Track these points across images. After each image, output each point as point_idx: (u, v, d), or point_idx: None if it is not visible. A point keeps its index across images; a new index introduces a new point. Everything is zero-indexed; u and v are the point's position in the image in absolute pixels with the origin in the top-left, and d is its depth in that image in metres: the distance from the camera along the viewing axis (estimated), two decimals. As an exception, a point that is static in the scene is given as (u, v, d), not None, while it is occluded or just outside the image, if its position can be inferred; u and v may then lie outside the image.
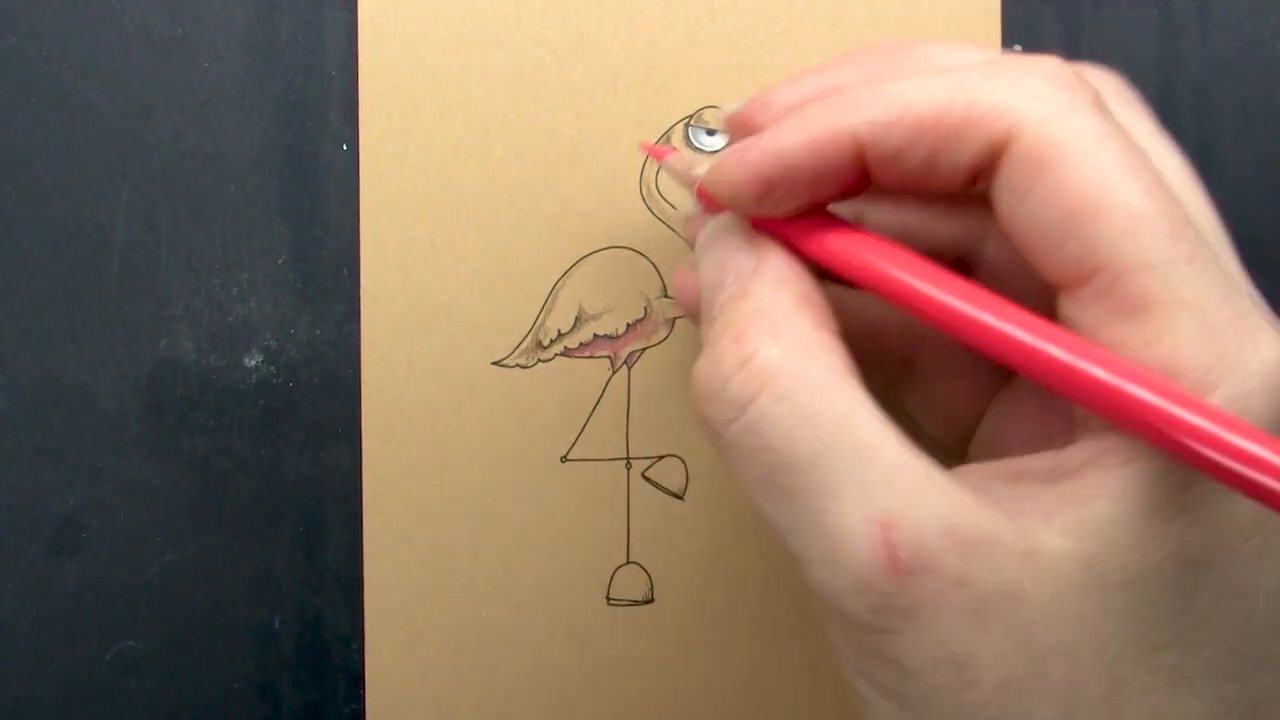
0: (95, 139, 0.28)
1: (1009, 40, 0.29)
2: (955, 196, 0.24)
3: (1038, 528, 0.19)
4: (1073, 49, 0.29)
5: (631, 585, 0.29)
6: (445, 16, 0.29)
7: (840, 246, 0.22)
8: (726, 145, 0.27)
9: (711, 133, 0.29)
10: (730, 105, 0.24)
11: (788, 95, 0.23)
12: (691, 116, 0.29)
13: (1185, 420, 0.18)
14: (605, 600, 0.29)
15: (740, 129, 0.24)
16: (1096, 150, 0.20)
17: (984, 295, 0.21)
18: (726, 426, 0.21)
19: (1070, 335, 0.20)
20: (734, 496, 0.29)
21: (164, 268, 0.29)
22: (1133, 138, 0.21)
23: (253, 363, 0.29)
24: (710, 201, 0.23)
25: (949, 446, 0.25)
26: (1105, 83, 0.23)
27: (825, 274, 0.23)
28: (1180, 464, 0.19)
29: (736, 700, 0.29)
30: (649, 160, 0.29)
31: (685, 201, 0.29)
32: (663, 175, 0.29)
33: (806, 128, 0.22)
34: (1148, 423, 0.19)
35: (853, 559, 0.19)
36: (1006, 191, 0.20)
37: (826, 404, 0.20)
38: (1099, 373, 0.19)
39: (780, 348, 0.21)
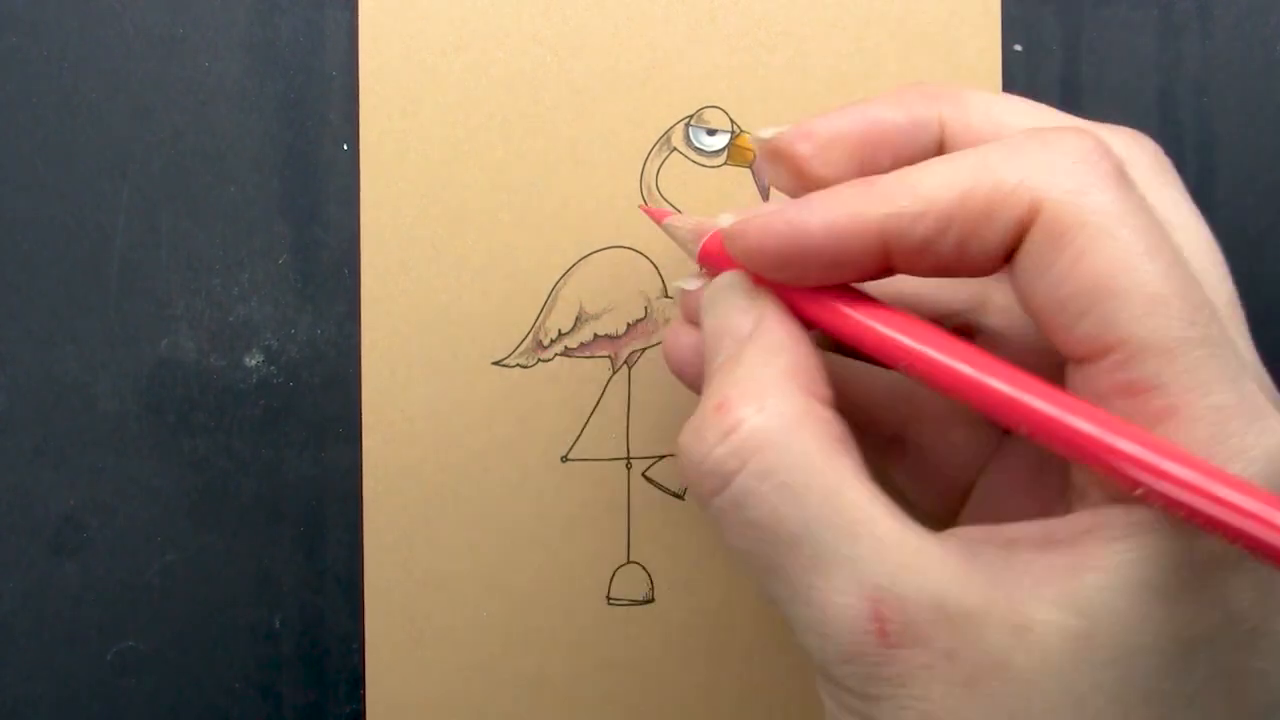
0: (95, 139, 0.28)
1: (1009, 40, 0.29)
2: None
3: (1028, 598, 0.19)
4: (1073, 49, 0.29)
5: (631, 585, 0.29)
6: (445, 16, 0.29)
7: (844, 314, 0.22)
8: (755, 174, 0.27)
9: (712, 133, 0.29)
10: (767, 131, 0.23)
11: (826, 130, 0.23)
12: (692, 116, 0.29)
13: (1188, 479, 0.19)
14: (605, 600, 0.29)
15: (774, 156, 0.23)
16: (1117, 228, 0.20)
17: (999, 365, 0.21)
18: (711, 498, 0.21)
19: (1081, 402, 0.20)
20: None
21: (164, 268, 0.29)
22: (1156, 212, 0.20)
23: (253, 362, 0.29)
24: (718, 261, 0.23)
25: (939, 517, 0.25)
26: (1137, 150, 0.22)
27: (822, 340, 0.23)
28: (1176, 544, 0.19)
29: (736, 700, 0.29)
30: (649, 160, 0.29)
31: (686, 203, 0.29)
32: (663, 175, 0.29)
33: (830, 213, 0.21)
34: (1159, 486, 0.19)
35: (842, 632, 0.19)
36: (1026, 265, 0.20)
37: (812, 478, 0.20)
38: (1116, 440, 0.19)
39: (765, 419, 0.20)
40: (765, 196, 0.29)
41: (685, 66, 0.29)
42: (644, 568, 0.29)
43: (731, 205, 0.29)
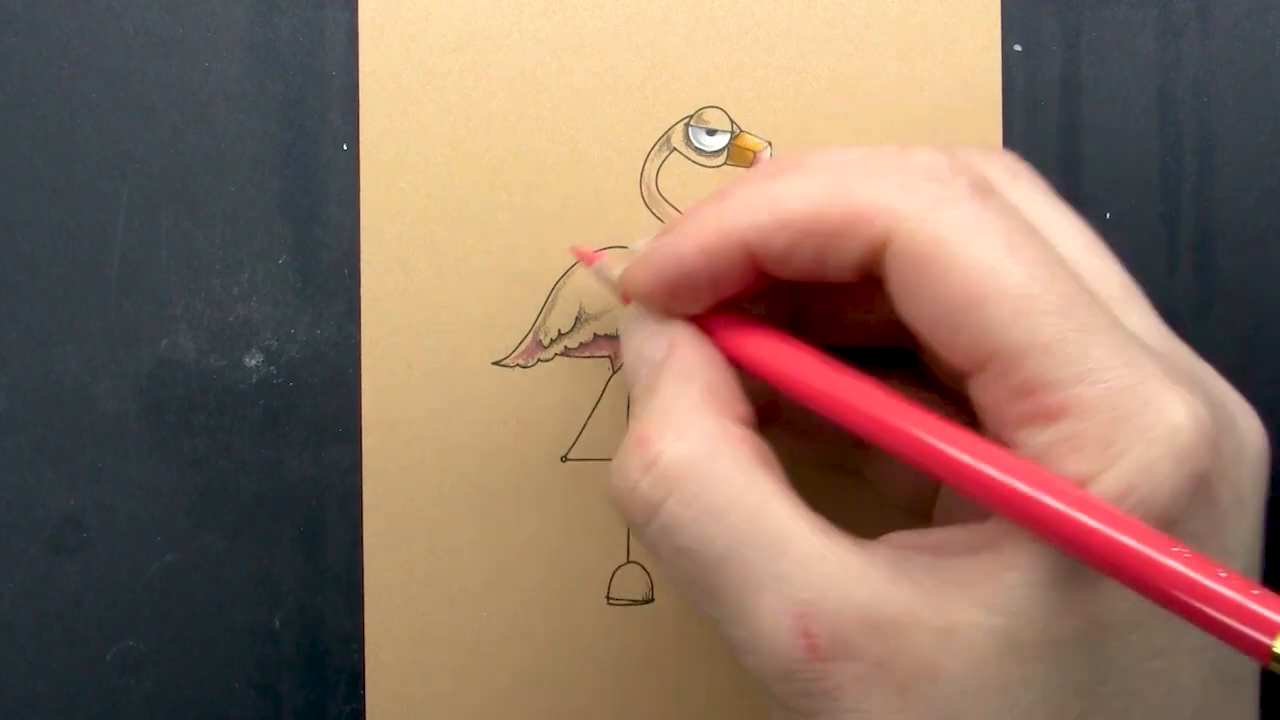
0: (95, 139, 0.28)
1: (1009, 40, 0.29)
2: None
3: (955, 601, 0.20)
4: (1073, 49, 0.29)
5: (631, 585, 0.29)
6: (445, 16, 0.29)
7: (750, 350, 0.23)
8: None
9: (712, 133, 0.29)
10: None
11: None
12: (691, 116, 0.29)
13: (1061, 515, 0.19)
14: (605, 600, 0.29)
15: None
16: (974, 237, 0.20)
17: (876, 394, 0.21)
18: (642, 529, 0.22)
19: (962, 432, 0.20)
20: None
21: (164, 268, 0.29)
22: (1019, 214, 0.21)
23: (253, 363, 0.29)
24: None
25: (914, 511, 0.25)
26: (995, 160, 0.23)
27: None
28: None
29: (736, 700, 0.29)
30: (649, 160, 0.29)
31: (686, 202, 0.29)
32: (663, 175, 0.29)
33: (700, 234, 0.22)
34: (1030, 518, 0.19)
35: (774, 649, 0.20)
36: (897, 291, 0.21)
37: (734, 501, 0.21)
38: (987, 469, 0.20)
39: (683, 448, 0.21)
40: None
41: (685, 66, 0.29)
42: (644, 567, 0.29)
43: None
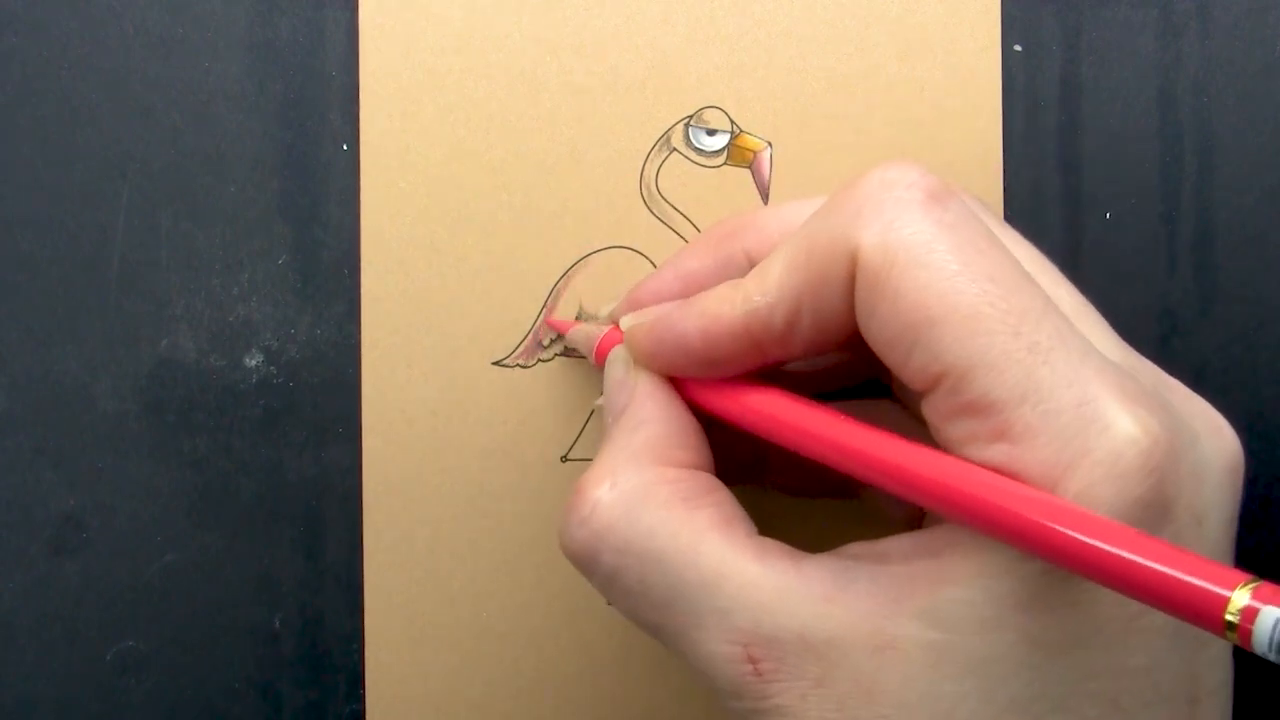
0: (95, 139, 0.28)
1: (1009, 40, 0.29)
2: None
3: (892, 613, 0.20)
4: (1073, 49, 0.29)
5: (631, 585, 0.29)
6: (446, 16, 0.29)
7: (720, 398, 0.23)
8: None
9: (712, 133, 0.29)
10: (625, 321, 0.25)
11: (650, 296, 0.25)
12: (691, 116, 0.29)
13: (1010, 511, 0.19)
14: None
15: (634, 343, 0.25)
16: (926, 257, 0.20)
17: (828, 419, 0.22)
18: (589, 578, 0.22)
19: (894, 439, 0.21)
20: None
21: (164, 268, 0.29)
22: (978, 220, 0.21)
23: (253, 363, 0.29)
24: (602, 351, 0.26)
25: (911, 526, 0.25)
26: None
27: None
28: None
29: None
30: (649, 160, 0.29)
31: (686, 203, 0.29)
32: (663, 175, 0.29)
33: (703, 320, 0.23)
34: (969, 512, 0.19)
35: (724, 674, 0.21)
36: (859, 312, 0.21)
37: (667, 543, 0.21)
38: (930, 474, 0.20)
39: (615, 496, 0.22)
40: (765, 197, 0.29)
41: (685, 66, 0.29)
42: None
43: (731, 205, 0.29)
